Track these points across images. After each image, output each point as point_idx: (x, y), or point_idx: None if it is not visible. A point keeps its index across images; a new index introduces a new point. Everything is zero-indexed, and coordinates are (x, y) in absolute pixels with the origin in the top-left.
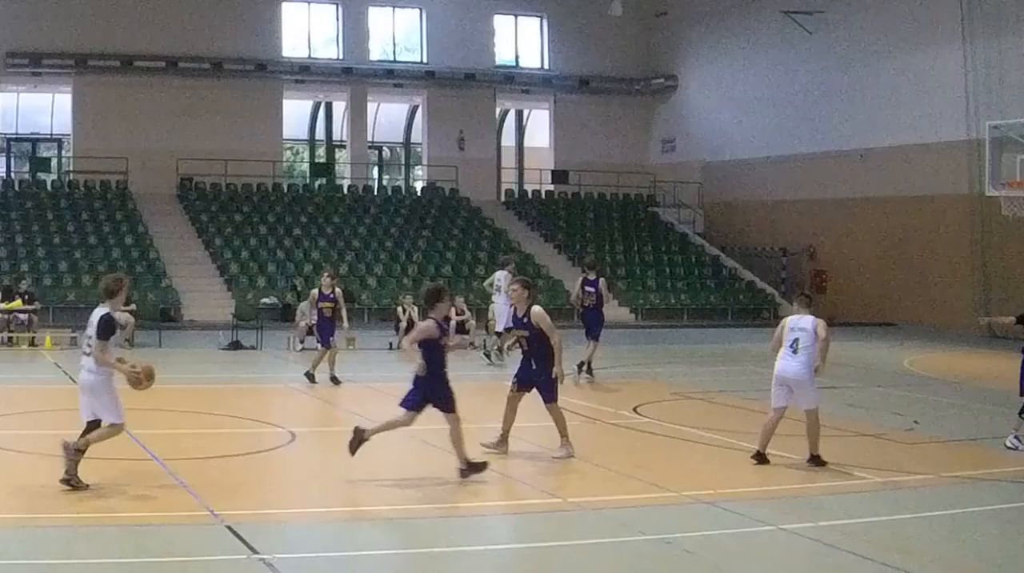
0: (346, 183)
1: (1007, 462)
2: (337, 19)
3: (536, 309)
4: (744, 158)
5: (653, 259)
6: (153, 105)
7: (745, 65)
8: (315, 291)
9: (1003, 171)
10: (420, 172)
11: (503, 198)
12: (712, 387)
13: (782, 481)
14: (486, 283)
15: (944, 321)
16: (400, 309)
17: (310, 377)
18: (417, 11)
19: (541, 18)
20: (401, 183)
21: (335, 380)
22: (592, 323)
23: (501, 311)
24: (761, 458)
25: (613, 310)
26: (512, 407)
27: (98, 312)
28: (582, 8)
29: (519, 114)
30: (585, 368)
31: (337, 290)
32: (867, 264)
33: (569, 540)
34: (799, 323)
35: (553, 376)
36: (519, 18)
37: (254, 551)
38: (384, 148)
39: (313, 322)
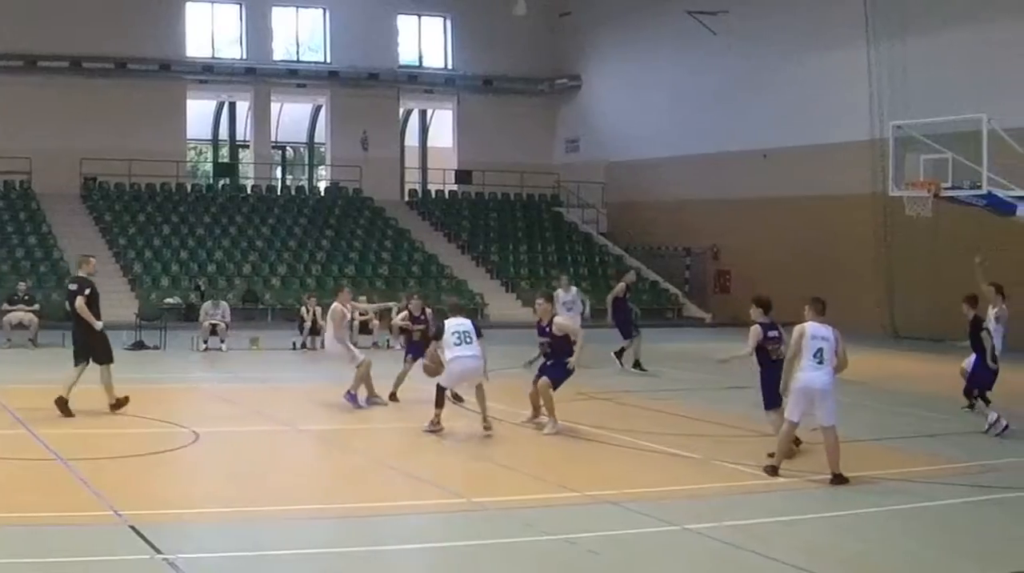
0: (250, 183)
1: (912, 462)
2: (240, 19)
3: (558, 319)
4: (648, 158)
5: (557, 259)
6: (56, 105)
7: (649, 65)
8: (404, 314)
9: (907, 171)
10: (324, 172)
11: (407, 198)
12: (617, 387)
13: (687, 481)
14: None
15: (848, 321)
16: (304, 309)
17: (392, 397)
18: (320, 11)
19: (445, 18)
20: (305, 183)
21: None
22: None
23: None
24: (774, 472)
25: (516, 310)
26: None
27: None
28: (486, 8)
29: (423, 114)
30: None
31: (428, 311)
32: (771, 264)
33: (473, 540)
34: (820, 331)
35: (569, 367)
36: (423, 18)
37: (158, 551)
38: (288, 148)
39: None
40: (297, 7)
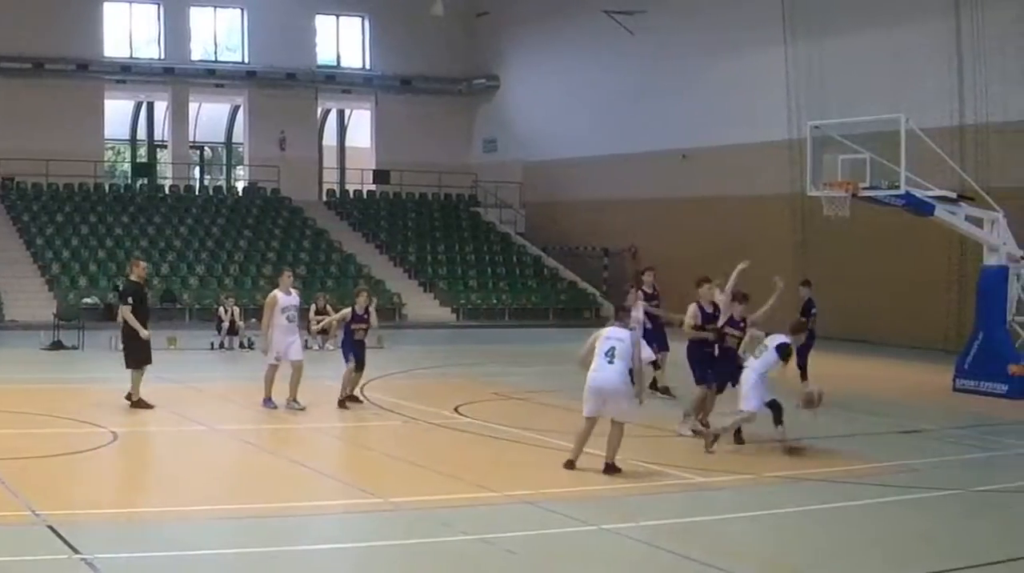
0: (168, 183)
1: (830, 462)
2: (158, 19)
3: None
4: (566, 158)
5: (475, 259)
6: None
7: (567, 65)
8: (347, 311)
9: (824, 171)
10: (241, 172)
11: (325, 198)
12: (533, 387)
13: (603, 481)
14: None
15: (766, 322)
16: (222, 309)
17: (343, 404)
18: (239, 11)
19: (363, 18)
20: (223, 183)
21: (355, 398)
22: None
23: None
24: (571, 465)
25: (434, 310)
26: (712, 401)
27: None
28: (403, 8)
29: (340, 114)
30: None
31: (371, 309)
32: (689, 264)
33: (390, 540)
34: (615, 333)
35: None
36: (341, 18)
37: (76, 551)
38: (205, 148)
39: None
40: (215, 7)
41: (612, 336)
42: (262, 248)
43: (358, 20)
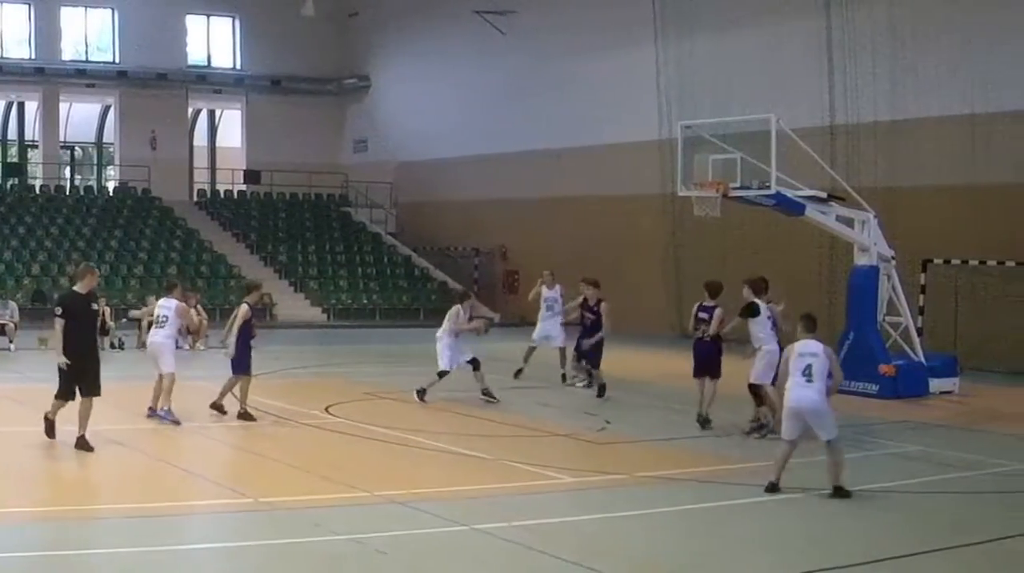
0: (38, 183)
1: (698, 462)
2: (29, 19)
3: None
4: (438, 158)
5: (345, 259)
6: None
7: (439, 65)
8: (244, 307)
9: (696, 171)
10: (112, 172)
11: (195, 198)
12: (404, 387)
13: (475, 481)
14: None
15: (637, 321)
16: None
17: (248, 416)
18: (109, 11)
19: (233, 18)
20: (93, 183)
21: (247, 415)
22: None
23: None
24: (775, 488)
25: (304, 310)
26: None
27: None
28: (274, 8)
29: (211, 114)
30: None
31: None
32: (560, 264)
33: (260, 540)
34: (808, 348)
35: None
36: (211, 18)
37: None
38: (76, 148)
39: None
40: (86, 7)
41: (805, 352)
42: (133, 248)
43: (229, 20)
